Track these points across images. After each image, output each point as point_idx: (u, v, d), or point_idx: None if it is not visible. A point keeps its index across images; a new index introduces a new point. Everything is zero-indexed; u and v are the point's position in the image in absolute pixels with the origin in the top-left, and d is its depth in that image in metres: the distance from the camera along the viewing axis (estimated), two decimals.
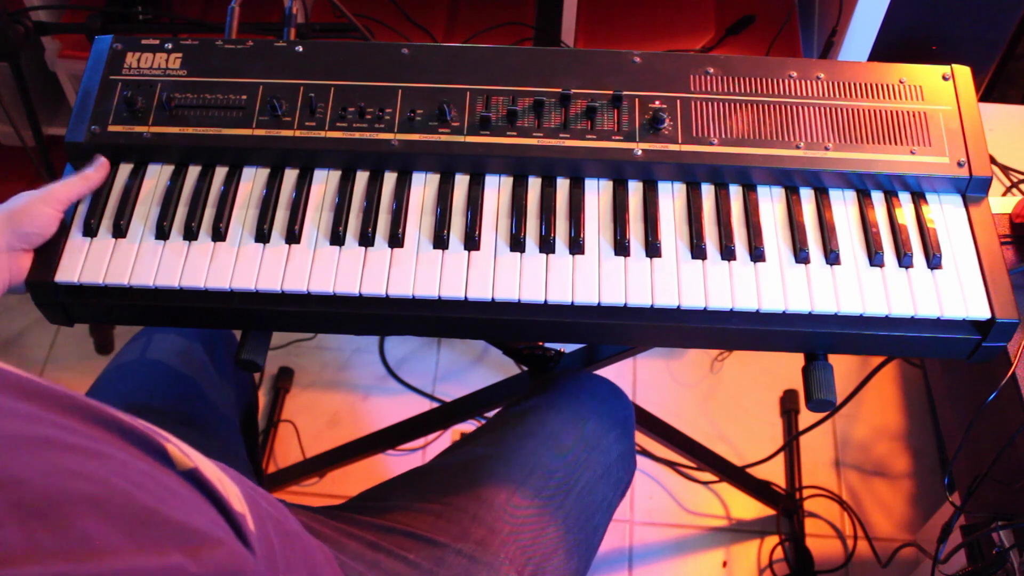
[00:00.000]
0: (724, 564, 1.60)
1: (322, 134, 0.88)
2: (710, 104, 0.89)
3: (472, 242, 0.84)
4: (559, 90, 0.90)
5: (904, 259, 0.84)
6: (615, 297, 0.82)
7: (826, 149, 0.88)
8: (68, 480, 0.39)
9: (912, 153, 0.88)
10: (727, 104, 0.89)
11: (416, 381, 1.80)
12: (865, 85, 0.90)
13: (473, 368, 1.83)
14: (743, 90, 0.90)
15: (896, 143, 0.88)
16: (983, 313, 0.82)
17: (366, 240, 0.85)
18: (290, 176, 0.89)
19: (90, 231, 0.85)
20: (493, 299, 0.82)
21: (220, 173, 0.89)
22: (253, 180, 0.88)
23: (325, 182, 0.88)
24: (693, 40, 1.48)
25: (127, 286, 0.83)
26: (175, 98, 0.89)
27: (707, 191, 0.88)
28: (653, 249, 0.84)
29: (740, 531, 1.63)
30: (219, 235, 0.85)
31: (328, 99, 0.89)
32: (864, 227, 0.86)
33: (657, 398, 1.78)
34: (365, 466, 1.64)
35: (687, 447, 1.46)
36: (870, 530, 1.62)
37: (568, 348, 1.20)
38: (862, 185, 0.88)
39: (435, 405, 1.75)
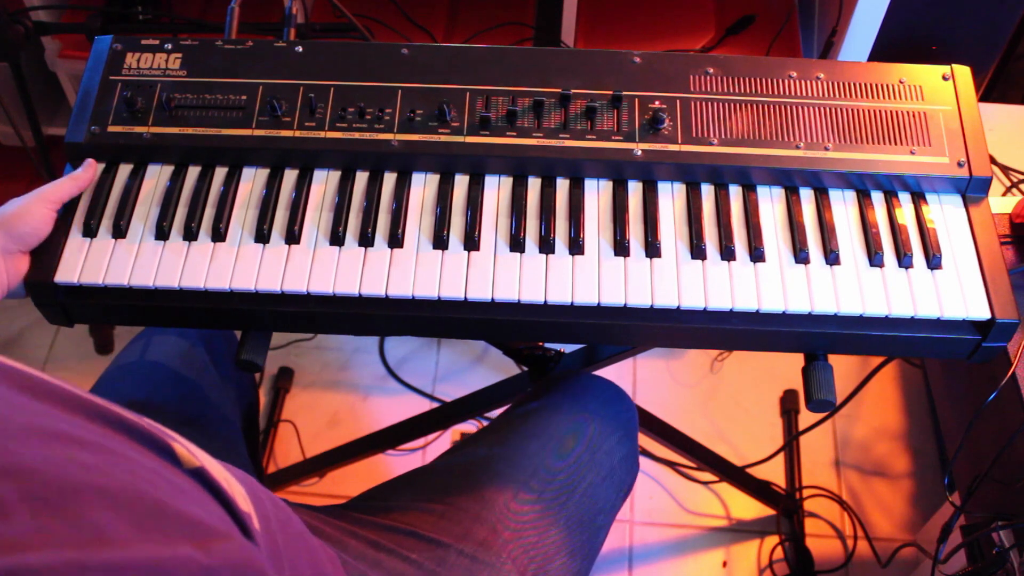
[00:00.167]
0: (724, 564, 1.60)
1: (322, 134, 0.88)
2: (710, 104, 0.89)
3: (472, 242, 0.84)
4: (559, 90, 0.90)
5: (904, 259, 0.84)
6: (615, 297, 0.82)
7: (826, 149, 0.88)
8: (79, 472, 0.40)
9: (912, 153, 0.88)
10: (727, 104, 0.89)
11: (416, 381, 1.80)
12: (865, 85, 0.90)
13: (473, 368, 1.83)
14: (743, 90, 0.90)
15: (896, 143, 0.88)
16: (983, 313, 0.82)
17: (366, 240, 0.85)
18: (290, 176, 0.89)
19: (90, 231, 0.85)
20: (493, 299, 0.82)
21: (220, 173, 0.89)
22: (253, 180, 0.88)
23: (325, 182, 0.88)
24: (693, 40, 1.47)
25: (127, 286, 0.83)
26: (175, 98, 0.89)
27: (707, 191, 0.88)
28: (653, 249, 0.84)
29: (740, 531, 1.63)
30: (219, 235, 0.85)
31: (328, 99, 0.89)
32: (864, 227, 0.86)
33: (657, 398, 1.78)
34: (365, 466, 1.64)
35: (687, 447, 1.46)
36: (870, 530, 1.62)
37: (568, 348, 1.20)
38: (862, 185, 0.88)
39: (435, 405, 1.75)
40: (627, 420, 1.02)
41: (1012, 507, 1.02)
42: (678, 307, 0.82)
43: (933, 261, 0.84)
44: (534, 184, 0.88)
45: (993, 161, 1.24)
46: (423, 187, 0.88)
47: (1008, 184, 1.26)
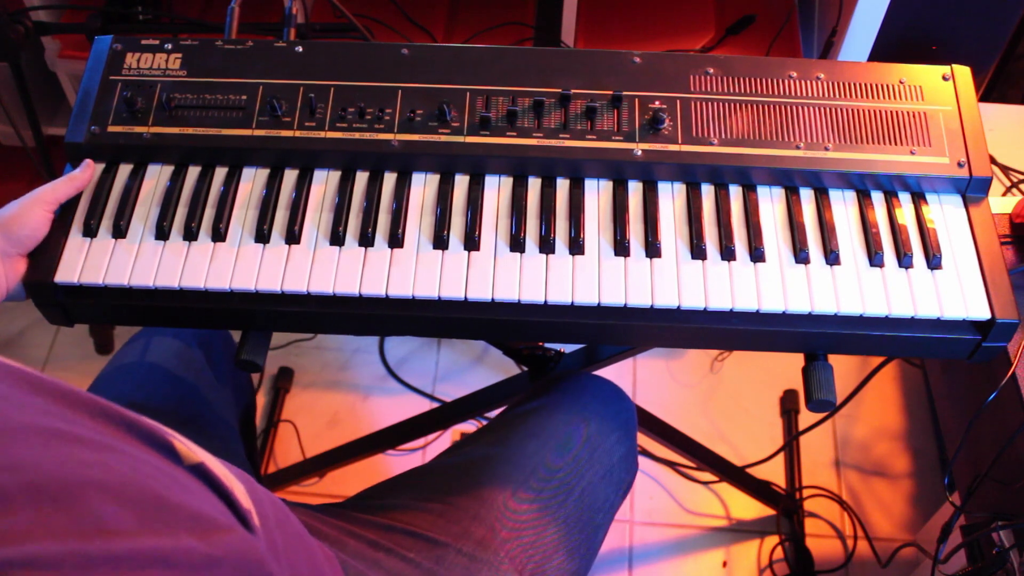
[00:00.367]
0: (724, 564, 1.60)
1: (322, 134, 0.88)
2: (710, 104, 0.89)
3: (472, 242, 0.84)
4: (559, 90, 0.90)
5: (904, 259, 0.84)
6: (615, 297, 0.82)
7: (826, 149, 0.88)
8: (80, 467, 0.40)
9: (912, 153, 0.88)
10: (727, 104, 0.89)
11: (416, 381, 1.80)
12: (865, 85, 0.90)
13: (473, 368, 1.83)
14: (743, 90, 0.90)
15: (896, 143, 0.88)
16: (983, 313, 0.82)
17: (366, 240, 0.85)
18: (290, 176, 0.89)
19: (90, 231, 0.85)
20: (493, 299, 0.82)
21: (220, 173, 0.89)
22: (253, 180, 0.88)
23: (325, 182, 0.88)
24: (693, 40, 1.47)
25: (127, 286, 0.83)
26: (175, 98, 0.89)
27: (707, 191, 0.88)
28: (653, 249, 0.84)
29: (740, 531, 1.63)
30: (219, 235, 0.85)
31: (328, 99, 0.89)
32: (864, 227, 0.86)
33: (657, 398, 1.78)
34: (365, 466, 1.64)
35: (687, 447, 1.46)
36: (870, 530, 1.62)
37: (568, 348, 1.20)
38: (862, 185, 0.88)
39: (435, 405, 1.75)
40: (626, 419, 1.02)
41: (1012, 507, 1.02)
42: (678, 307, 0.82)
43: (933, 261, 0.84)
44: (534, 184, 0.88)
45: (993, 161, 1.24)
46: (423, 187, 0.88)
47: (1008, 184, 1.26)
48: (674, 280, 0.83)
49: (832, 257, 0.84)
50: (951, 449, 1.24)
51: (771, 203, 0.88)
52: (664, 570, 1.59)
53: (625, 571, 1.59)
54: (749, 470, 1.63)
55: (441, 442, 1.72)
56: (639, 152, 0.87)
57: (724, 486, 1.65)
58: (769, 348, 0.87)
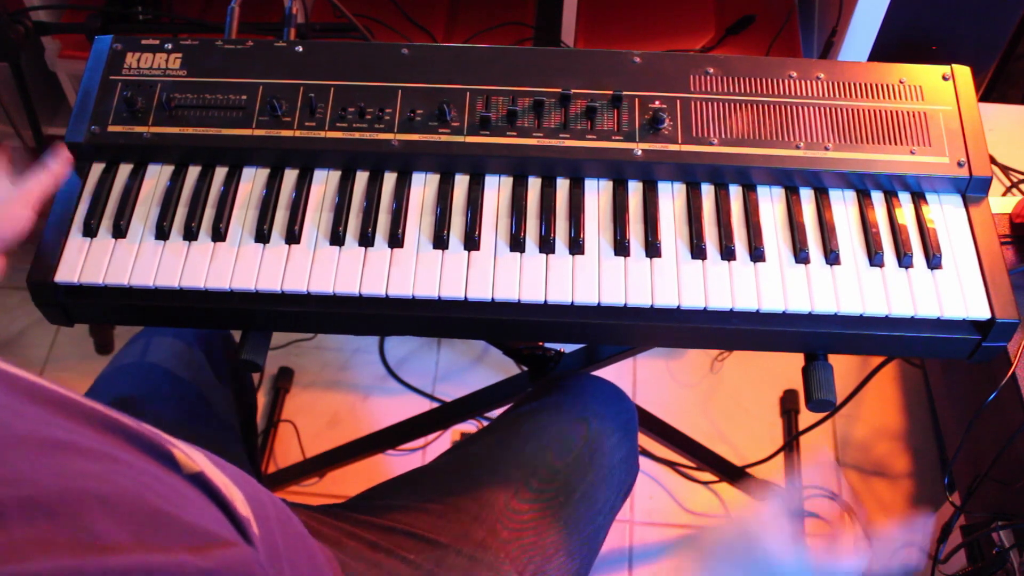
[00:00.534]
0: None
1: (322, 134, 0.88)
2: (710, 104, 0.89)
3: (472, 242, 0.84)
4: (559, 90, 0.90)
5: (904, 259, 0.84)
6: (615, 297, 0.82)
7: (826, 149, 0.88)
8: (77, 480, 0.40)
9: (912, 153, 0.88)
10: (727, 104, 0.89)
11: (416, 381, 1.80)
12: (865, 85, 0.90)
13: (473, 368, 1.83)
14: (743, 90, 0.90)
15: (896, 143, 0.88)
16: (983, 313, 0.82)
17: (366, 240, 0.85)
18: (290, 176, 0.89)
19: (90, 231, 0.85)
20: (493, 299, 0.82)
21: (220, 173, 0.89)
22: (253, 180, 0.88)
23: (325, 182, 0.88)
24: (693, 40, 1.47)
25: (127, 286, 0.83)
26: (175, 98, 0.89)
27: (707, 191, 0.88)
28: (653, 249, 0.84)
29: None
30: (219, 235, 0.85)
31: (328, 99, 0.89)
32: (864, 227, 0.86)
33: (657, 398, 1.78)
34: (365, 466, 1.64)
35: (687, 447, 1.46)
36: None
37: (568, 348, 1.20)
38: (862, 185, 0.88)
39: (435, 405, 1.75)
40: (627, 420, 1.02)
41: (1012, 507, 1.02)
42: (678, 307, 0.82)
43: (933, 261, 0.84)
44: (534, 184, 0.88)
45: (993, 161, 1.24)
46: (423, 187, 0.88)
47: (1008, 184, 1.26)
48: (674, 280, 0.83)
49: (832, 257, 0.84)
50: (951, 449, 1.24)
51: (771, 203, 0.88)
52: (664, 570, 1.59)
53: (625, 571, 1.59)
54: (749, 470, 1.63)
55: (441, 442, 1.72)
56: (639, 152, 0.87)
57: (724, 486, 1.65)
58: (769, 348, 0.87)
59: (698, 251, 0.84)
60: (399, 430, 1.43)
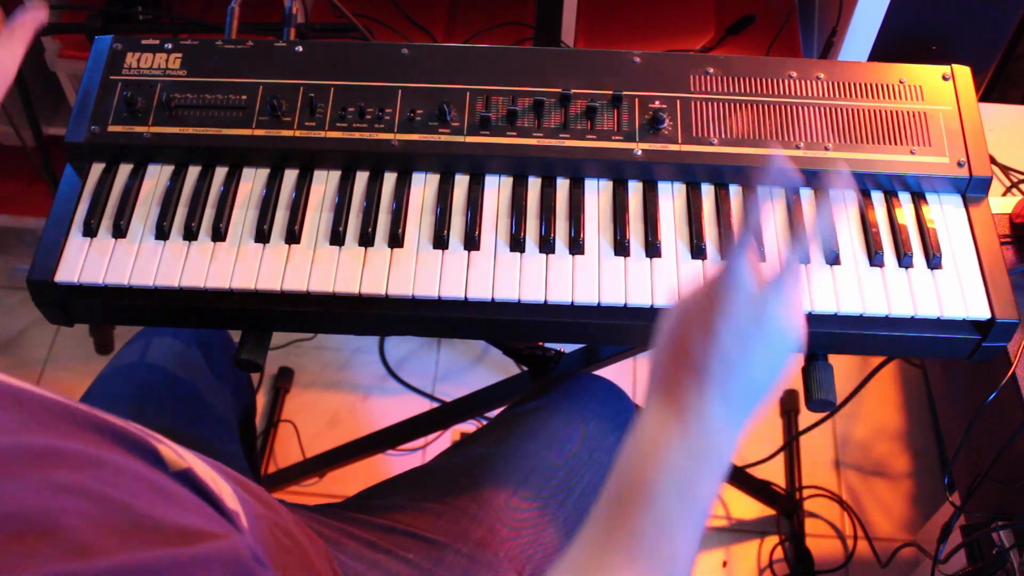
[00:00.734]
0: (724, 564, 1.60)
1: (322, 134, 0.88)
2: (710, 104, 0.89)
3: (472, 242, 0.84)
4: (559, 90, 0.90)
5: (904, 259, 0.84)
6: (615, 297, 0.82)
7: (826, 149, 0.88)
8: (60, 495, 0.39)
9: (912, 153, 0.88)
10: (727, 104, 0.89)
11: (416, 381, 1.80)
12: (865, 85, 0.90)
13: (473, 368, 1.83)
14: (743, 90, 0.90)
15: (896, 143, 0.88)
16: (983, 313, 0.82)
17: (366, 240, 0.85)
18: (290, 176, 0.89)
19: (90, 231, 0.85)
20: (493, 299, 0.82)
21: (220, 173, 0.89)
22: (253, 180, 0.88)
23: (325, 182, 0.88)
24: (693, 40, 1.47)
25: (127, 286, 0.83)
26: (175, 98, 0.89)
27: (707, 191, 0.88)
28: (653, 249, 0.84)
29: (740, 531, 1.63)
30: (219, 235, 0.85)
31: (328, 99, 0.89)
32: (864, 227, 0.86)
33: None
34: (365, 466, 1.64)
35: None
36: (870, 530, 1.62)
37: (568, 348, 1.20)
38: (862, 185, 0.88)
39: (435, 405, 1.75)
40: (626, 420, 1.02)
41: (1012, 507, 1.02)
42: None
43: (933, 261, 0.84)
44: (534, 184, 0.88)
45: (993, 161, 1.24)
46: (423, 187, 0.88)
47: (1008, 184, 1.26)
48: (674, 280, 0.83)
49: (832, 257, 0.84)
50: (951, 449, 1.24)
51: (771, 203, 0.88)
52: None
53: None
54: (749, 470, 1.63)
55: (441, 442, 1.72)
56: (639, 152, 0.87)
57: (724, 486, 1.65)
58: None
59: (698, 251, 0.84)
60: (399, 430, 1.43)
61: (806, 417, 1.71)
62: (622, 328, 0.84)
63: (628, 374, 1.81)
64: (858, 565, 1.59)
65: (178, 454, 0.49)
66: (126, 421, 0.49)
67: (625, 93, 0.89)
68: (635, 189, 0.88)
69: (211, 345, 1.07)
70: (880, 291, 0.83)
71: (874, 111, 0.89)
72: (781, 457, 1.69)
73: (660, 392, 0.59)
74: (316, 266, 0.83)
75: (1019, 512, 1.01)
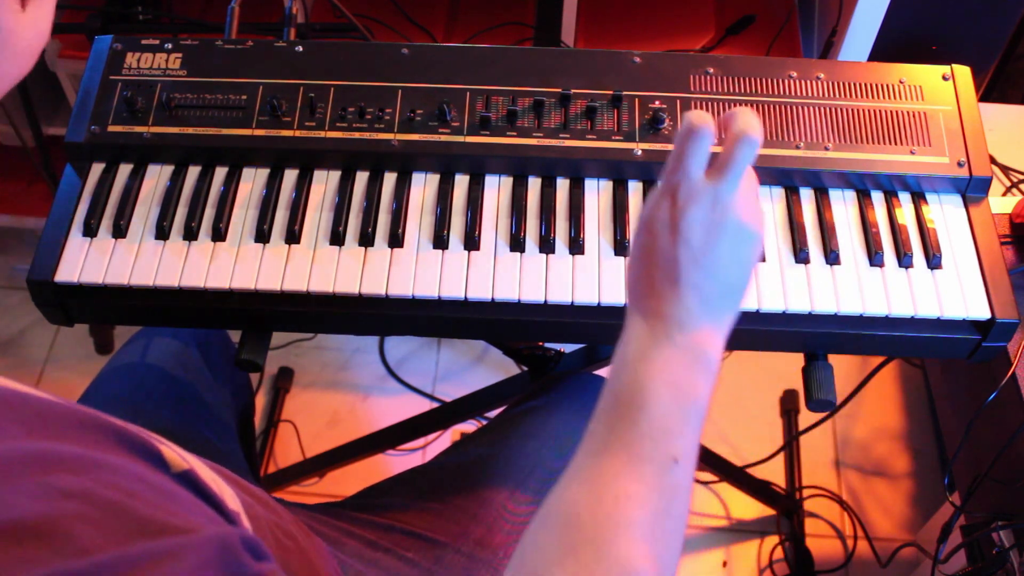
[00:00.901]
0: (724, 564, 1.60)
1: (322, 134, 0.88)
2: (710, 104, 0.89)
3: (472, 242, 0.84)
4: (559, 90, 0.90)
5: (904, 259, 0.84)
6: (615, 297, 0.82)
7: (826, 149, 0.88)
8: (60, 501, 0.40)
9: (912, 153, 0.88)
10: (727, 104, 0.89)
11: (416, 381, 1.80)
12: (865, 85, 0.90)
13: (473, 368, 1.83)
14: (743, 90, 0.90)
15: (896, 143, 0.88)
16: (983, 313, 0.82)
17: (366, 240, 0.85)
18: (290, 176, 0.89)
19: (90, 231, 0.85)
20: (493, 299, 0.82)
21: (220, 173, 0.89)
22: (253, 180, 0.88)
23: (325, 182, 0.88)
24: (693, 40, 1.47)
25: (127, 286, 0.83)
26: (175, 98, 0.89)
27: None
28: None
29: (740, 531, 1.63)
30: (219, 235, 0.85)
31: (328, 99, 0.89)
32: (864, 227, 0.86)
33: None
34: (365, 466, 1.64)
35: None
36: (870, 530, 1.62)
37: (568, 348, 1.20)
38: (862, 185, 0.88)
39: (435, 405, 1.75)
40: None
41: (1012, 507, 1.02)
42: None
43: (933, 261, 0.84)
44: (534, 184, 0.88)
45: (993, 161, 1.24)
46: (423, 187, 0.88)
47: (1008, 184, 1.26)
48: None
49: (832, 257, 0.84)
50: (951, 449, 1.24)
51: (771, 203, 0.88)
52: None
53: None
54: (749, 470, 1.63)
55: (441, 442, 1.72)
56: (639, 152, 0.87)
57: (724, 486, 1.65)
58: (769, 348, 0.87)
59: None
60: (399, 430, 1.43)
61: (806, 417, 1.71)
62: (622, 328, 0.84)
63: None
64: (858, 565, 1.59)
65: (180, 455, 0.49)
66: (126, 423, 0.49)
67: (625, 93, 0.89)
68: (635, 189, 0.88)
69: (210, 345, 1.07)
70: (880, 291, 0.83)
71: (874, 111, 0.89)
72: (781, 457, 1.69)
73: (639, 303, 0.61)
74: (316, 266, 0.83)
75: (1019, 512, 1.01)
